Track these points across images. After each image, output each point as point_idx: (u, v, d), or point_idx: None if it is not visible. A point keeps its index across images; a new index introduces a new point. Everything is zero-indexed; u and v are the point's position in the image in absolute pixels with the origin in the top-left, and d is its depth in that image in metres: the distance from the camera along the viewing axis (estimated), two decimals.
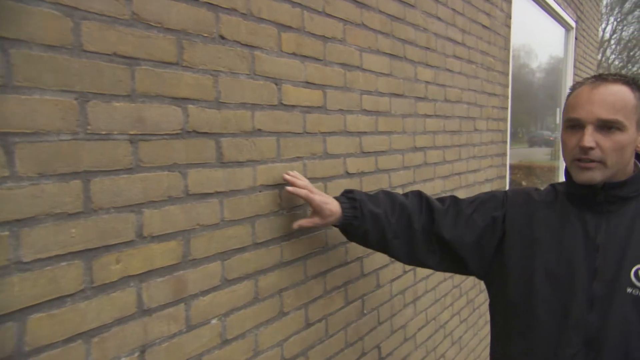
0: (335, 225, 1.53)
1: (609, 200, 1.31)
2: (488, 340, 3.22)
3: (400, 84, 2.10)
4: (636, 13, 23.84)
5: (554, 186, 1.47)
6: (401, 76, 2.10)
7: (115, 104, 1.01)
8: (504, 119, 3.32)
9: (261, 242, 1.41)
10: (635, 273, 1.23)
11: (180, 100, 1.15)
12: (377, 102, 1.95)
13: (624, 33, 24.49)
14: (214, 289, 1.26)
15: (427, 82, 2.31)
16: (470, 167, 2.85)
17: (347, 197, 1.53)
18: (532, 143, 5.68)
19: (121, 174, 1.03)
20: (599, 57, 21.56)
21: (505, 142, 3.37)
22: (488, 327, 3.21)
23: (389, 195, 1.59)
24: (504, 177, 3.40)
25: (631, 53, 23.86)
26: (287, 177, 1.46)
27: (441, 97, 2.45)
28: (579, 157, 1.27)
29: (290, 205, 1.51)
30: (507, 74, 3.31)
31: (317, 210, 1.48)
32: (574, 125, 1.28)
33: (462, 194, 2.75)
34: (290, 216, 1.52)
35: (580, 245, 1.32)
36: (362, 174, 1.88)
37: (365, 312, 1.93)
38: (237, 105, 1.31)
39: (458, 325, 2.79)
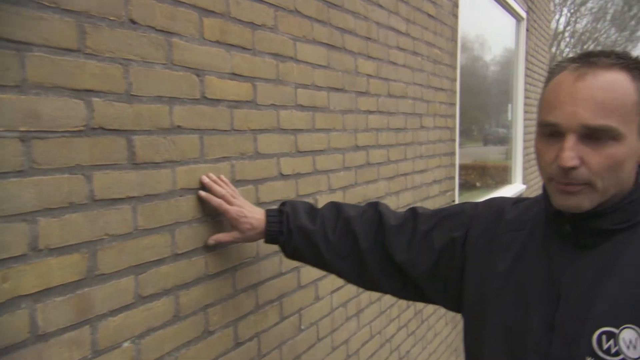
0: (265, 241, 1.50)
1: (587, 232, 1.06)
2: (438, 354, 3.28)
3: (340, 77, 2.10)
4: (589, 5, 25.05)
5: (541, 198, 1.21)
6: (340, 68, 2.10)
7: (2, 96, 0.95)
8: (453, 116, 3.39)
9: (182, 253, 1.37)
10: (599, 338, 0.99)
11: (83, 93, 1.10)
12: (314, 96, 1.94)
13: (577, 25, 25.69)
14: (127, 307, 1.21)
15: (369, 76, 2.33)
16: (416, 167, 2.89)
17: (278, 209, 1.49)
18: (487, 141, 5.82)
19: (10, 177, 0.97)
20: (554, 49, 22.53)
21: (454, 140, 3.44)
22: (438, 340, 3.27)
23: (335, 208, 1.49)
24: (453, 178, 3.47)
25: (585, 47, 25.03)
26: (205, 180, 1.43)
27: (384, 92, 2.48)
28: (558, 179, 1.02)
29: (216, 211, 1.47)
30: (455, 67, 3.39)
31: (233, 224, 1.45)
32: (551, 132, 1.02)
33: (408, 197, 2.78)
34: (215, 223, 1.48)
35: (539, 288, 1.10)
36: (298, 175, 1.87)
37: (302, 327, 1.91)
38: (152, 99, 1.27)
39: (405, 339, 2.82)
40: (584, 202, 1.02)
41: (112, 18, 1.16)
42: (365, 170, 2.36)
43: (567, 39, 25.61)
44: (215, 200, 1.42)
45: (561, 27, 25.20)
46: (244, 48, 1.58)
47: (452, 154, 3.44)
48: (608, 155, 0.98)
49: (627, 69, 0.99)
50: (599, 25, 25.83)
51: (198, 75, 1.41)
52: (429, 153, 3.05)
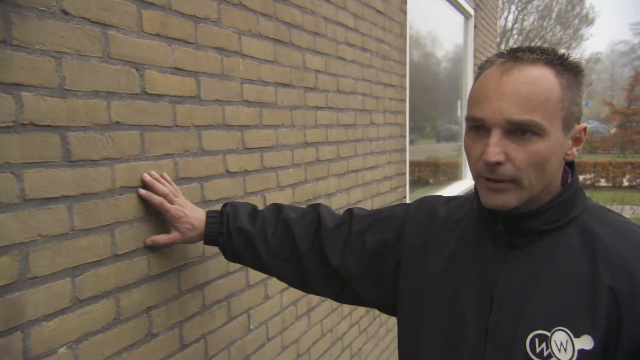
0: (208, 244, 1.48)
1: (519, 232, 1.08)
2: (390, 350, 3.31)
3: (287, 73, 2.08)
4: (535, 2, 25.77)
5: (473, 196, 1.20)
6: (288, 64, 2.09)
7: None
8: (403, 112, 3.42)
9: (123, 254, 1.33)
10: (532, 342, 1.00)
11: (11, 87, 1.05)
12: (261, 92, 1.92)
13: (525, 23, 26.42)
14: (62, 311, 1.17)
15: (317, 71, 2.32)
16: (367, 163, 2.90)
17: (219, 211, 1.47)
18: (439, 138, 5.90)
19: None
20: (502, 46, 23.09)
21: (405, 136, 3.47)
22: (390, 337, 3.30)
23: (276, 209, 1.47)
24: (404, 174, 3.50)
25: (532, 44, 25.75)
26: (146, 178, 1.39)
27: (333, 88, 2.47)
28: (485, 175, 1.03)
29: (157, 210, 1.44)
30: (405, 64, 3.42)
31: (173, 224, 1.42)
32: (478, 126, 1.03)
33: (358, 193, 2.79)
34: (159, 222, 1.45)
35: (474, 291, 1.10)
36: (245, 172, 1.84)
37: (251, 327, 1.89)
38: (87, 94, 1.22)
39: (357, 336, 2.83)
40: (511, 199, 1.02)
41: (41, 8, 1.11)
42: (315, 167, 2.35)
43: (515, 37, 26.29)
44: (156, 199, 1.38)
45: (509, 25, 25.86)
46: (186, 42, 1.54)
47: (403, 150, 3.47)
48: (532, 151, 0.99)
49: (551, 64, 1.01)
50: (545, 23, 26.62)
51: (138, 70, 1.37)
52: (379, 149, 3.06)
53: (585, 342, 0.97)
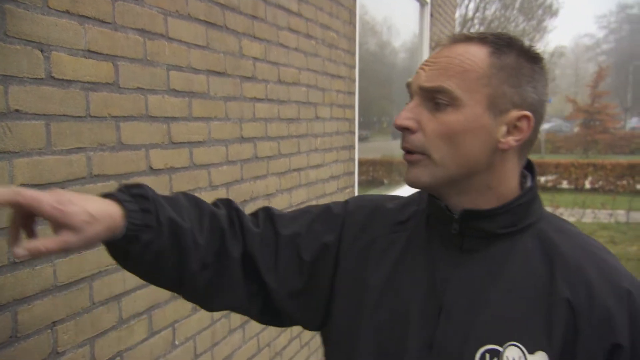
0: (106, 243, 1.00)
1: (472, 234, 1.05)
2: None
3: (221, 60, 2.05)
4: None
5: (419, 196, 1.18)
6: (222, 50, 2.05)
7: None
8: (351, 106, 3.42)
9: (22, 261, 1.27)
10: (482, 357, 0.98)
11: None
12: (191, 80, 1.88)
13: (487, 12, 27.00)
14: None
15: (256, 59, 2.29)
16: (311, 161, 2.89)
17: (132, 194, 1.02)
18: (396, 134, 5.92)
19: None
20: None
21: (353, 132, 3.48)
22: None
23: (193, 200, 1.13)
24: (353, 173, 3.51)
25: None
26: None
27: (274, 78, 2.45)
28: (402, 146, 1.06)
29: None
30: (354, 53, 3.42)
31: (56, 220, 0.91)
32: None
33: (302, 194, 2.77)
34: None
35: (420, 301, 1.06)
36: (171, 170, 1.80)
37: (177, 343, 1.85)
38: None
39: (299, 351, 2.82)
40: (422, 174, 1.04)
41: None
42: (253, 164, 2.32)
43: (477, 26, 26.82)
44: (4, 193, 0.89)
45: (470, 14, 26.38)
46: (102, 21, 1.49)
47: (352, 147, 3.47)
48: (443, 121, 1.01)
49: (488, 43, 1.02)
50: (507, 13, 27.27)
51: (42, 51, 1.31)
52: (325, 146, 3.05)
53: None
